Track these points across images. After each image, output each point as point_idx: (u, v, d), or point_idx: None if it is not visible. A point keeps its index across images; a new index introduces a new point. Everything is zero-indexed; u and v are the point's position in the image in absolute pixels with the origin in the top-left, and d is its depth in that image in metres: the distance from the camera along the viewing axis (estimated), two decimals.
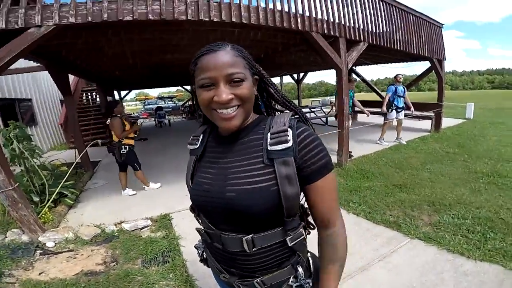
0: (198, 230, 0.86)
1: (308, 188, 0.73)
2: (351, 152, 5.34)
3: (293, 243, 0.74)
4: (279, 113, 0.85)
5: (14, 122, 3.46)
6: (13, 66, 2.97)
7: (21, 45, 2.57)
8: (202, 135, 0.87)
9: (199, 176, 0.81)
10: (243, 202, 0.68)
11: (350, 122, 5.41)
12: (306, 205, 0.80)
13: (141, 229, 3.07)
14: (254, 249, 0.72)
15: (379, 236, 2.61)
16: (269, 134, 0.72)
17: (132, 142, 3.97)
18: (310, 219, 0.82)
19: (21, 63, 6.61)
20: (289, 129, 0.71)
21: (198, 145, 0.85)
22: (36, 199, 3.39)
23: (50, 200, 3.40)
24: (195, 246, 1.01)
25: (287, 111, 0.83)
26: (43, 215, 3.17)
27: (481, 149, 5.50)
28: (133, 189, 4.22)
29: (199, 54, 0.72)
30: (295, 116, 0.80)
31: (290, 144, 0.69)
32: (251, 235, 0.71)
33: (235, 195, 0.70)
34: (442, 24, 7.52)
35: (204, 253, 0.96)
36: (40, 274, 2.35)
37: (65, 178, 3.68)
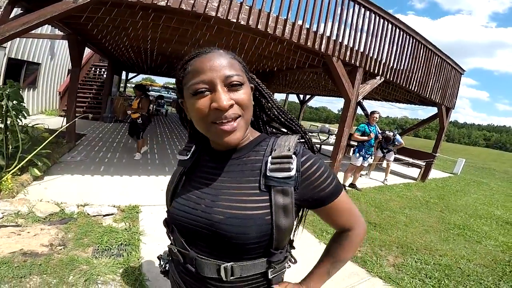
0: (170, 248, 0.77)
1: (323, 209, 0.70)
2: (355, 185, 5.53)
3: (273, 275, 0.70)
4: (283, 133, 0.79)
5: (12, 81, 3.39)
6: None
7: (53, 13, 2.63)
8: (195, 146, 0.78)
9: (183, 192, 0.73)
10: (231, 228, 0.62)
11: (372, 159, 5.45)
12: (292, 238, 0.77)
13: (104, 216, 2.89)
14: (232, 278, 0.66)
15: (343, 269, 2.61)
16: (270, 158, 0.66)
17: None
18: (293, 252, 0.80)
19: (44, 28, 6.75)
20: (293, 156, 0.65)
21: (189, 156, 0.76)
22: (2, 162, 3.13)
23: (18, 167, 3.15)
24: (158, 257, 0.89)
25: (285, 130, 0.79)
26: (3, 182, 2.92)
27: (460, 203, 5.74)
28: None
29: (188, 58, 0.64)
30: (301, 140, 0.75)
31: (292, 173, 0.63)
32: (231, 263, 0.65)
33: (223, 219, 0.63)
34: (464, 71, 7.13)
35: (167, 266, 0.86)
36: None
37: (42, 146, 3.42)
